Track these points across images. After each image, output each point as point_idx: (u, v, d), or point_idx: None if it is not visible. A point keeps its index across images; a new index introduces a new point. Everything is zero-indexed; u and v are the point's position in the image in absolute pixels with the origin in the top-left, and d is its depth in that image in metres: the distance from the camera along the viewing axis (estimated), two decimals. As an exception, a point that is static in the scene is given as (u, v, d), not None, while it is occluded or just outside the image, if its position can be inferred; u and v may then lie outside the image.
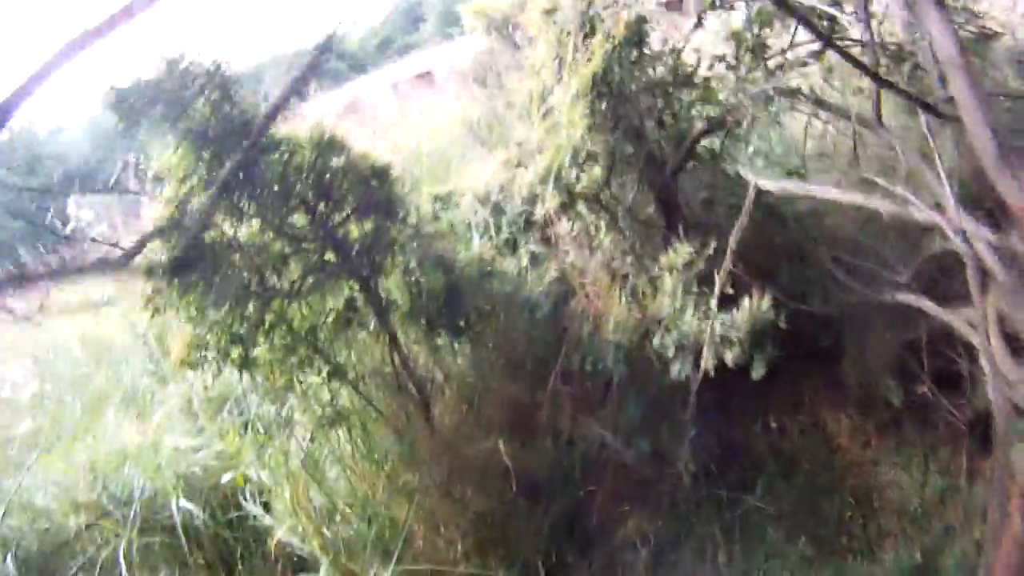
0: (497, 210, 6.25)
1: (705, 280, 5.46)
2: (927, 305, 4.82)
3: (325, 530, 5.44)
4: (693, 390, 5.55)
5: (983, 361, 4.06)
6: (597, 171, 5.55)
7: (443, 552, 5.58)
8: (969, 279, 4.06)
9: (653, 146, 5.68)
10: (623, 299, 5.76)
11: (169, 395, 6.48)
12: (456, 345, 6.00)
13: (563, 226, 5.96)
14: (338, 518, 5.58)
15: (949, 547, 4.99)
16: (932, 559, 4.98)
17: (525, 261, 6.03)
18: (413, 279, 5.87)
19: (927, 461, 5.39)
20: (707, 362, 5.32)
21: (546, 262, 6.05)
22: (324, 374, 5.62)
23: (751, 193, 5.11)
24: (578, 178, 5.56)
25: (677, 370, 5.46)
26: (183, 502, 5.56)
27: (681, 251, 5.40)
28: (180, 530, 5.48)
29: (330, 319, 5.67)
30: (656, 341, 5.52)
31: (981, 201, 4.05)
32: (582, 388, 5.99)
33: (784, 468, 5.81)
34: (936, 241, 4.68)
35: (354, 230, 5.60)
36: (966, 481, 5.14)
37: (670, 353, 5.47)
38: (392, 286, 5.91)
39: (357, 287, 5.67)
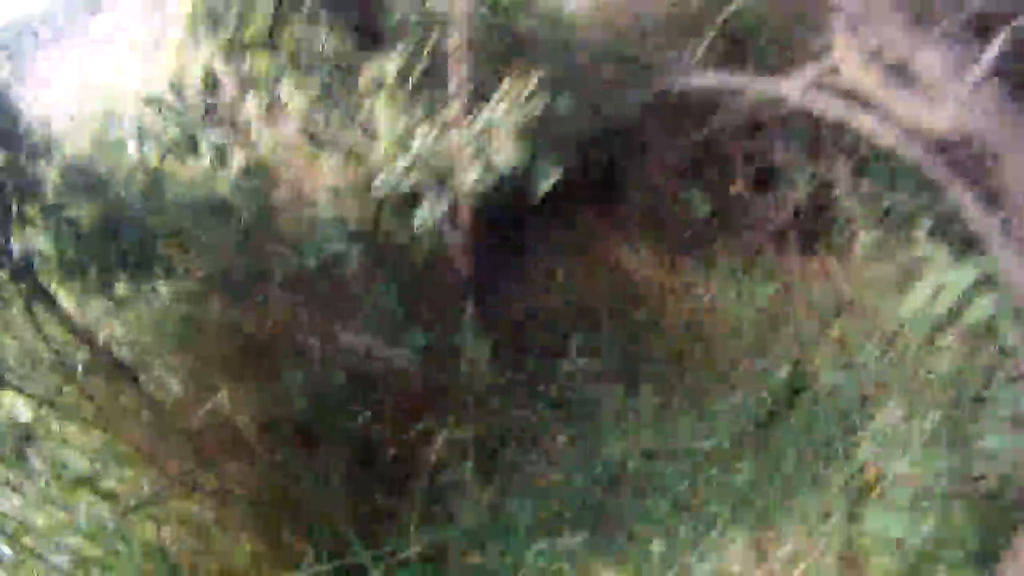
0: (167, 105, 4.49)
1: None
2: (740, 82, 3.81)
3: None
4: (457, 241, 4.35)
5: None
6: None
7: (230, 558, 4.28)
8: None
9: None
10: (333, 161, 4.34)
11: None
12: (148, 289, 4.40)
13: (248, 101, 4.33)
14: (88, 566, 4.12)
15: (812, 351, 4.30)
16: (800, 368, 4.27)
17: (209, 157, 4.35)
18: (59, 220, 4.17)
19: (750, 270, 4.61)
20: (465, 183, 3.99)
21: (235, 151, 4.41)
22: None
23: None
24: (240, 22, 3.91)
25: (424, 214, 4.13)
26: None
27: (391, 58, 3.99)
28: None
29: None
30: (380, 181, 4.12)
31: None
32: (318, 291, 4.66)
33: (592, 321, 4.90)
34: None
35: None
36: (800, 280, 4.40)
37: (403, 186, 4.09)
38: (37, 236, 4.22)
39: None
